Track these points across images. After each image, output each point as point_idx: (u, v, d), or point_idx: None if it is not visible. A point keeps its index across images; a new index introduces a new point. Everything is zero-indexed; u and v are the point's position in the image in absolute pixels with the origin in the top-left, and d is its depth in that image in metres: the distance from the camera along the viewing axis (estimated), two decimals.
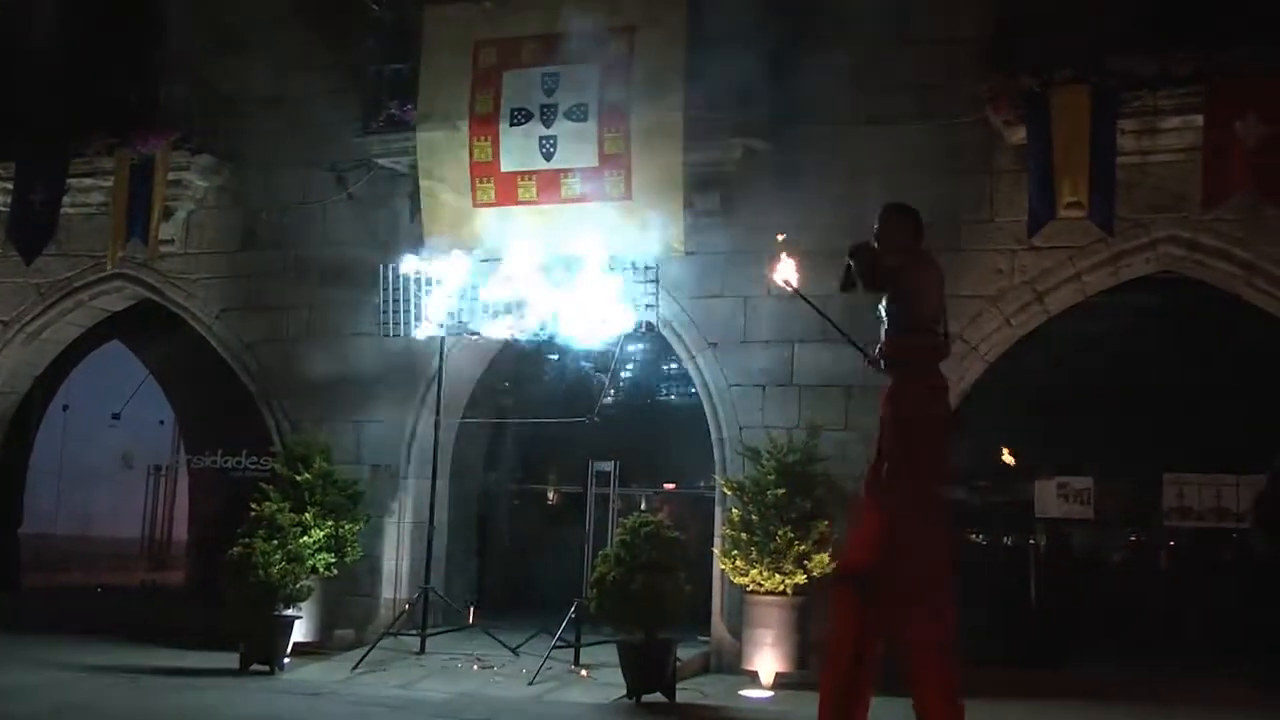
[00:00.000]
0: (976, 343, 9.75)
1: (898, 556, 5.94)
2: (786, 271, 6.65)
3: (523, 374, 12.95)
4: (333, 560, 10.23)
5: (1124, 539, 11.69)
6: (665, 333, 10.61)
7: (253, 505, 10.02)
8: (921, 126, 9.92)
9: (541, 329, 9.99)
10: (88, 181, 12.05)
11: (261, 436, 11.81)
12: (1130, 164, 9.24)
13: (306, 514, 10.08)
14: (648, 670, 8.53)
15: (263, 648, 9.43)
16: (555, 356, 12.35)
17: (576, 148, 10.08)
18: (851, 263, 6.37)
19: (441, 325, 10.28)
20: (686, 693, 8.78)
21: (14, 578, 13.91)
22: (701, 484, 11.68)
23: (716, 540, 10.01)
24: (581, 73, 10.08)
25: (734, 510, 9.65)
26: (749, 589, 9.42)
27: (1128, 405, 10.67)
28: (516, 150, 10.26)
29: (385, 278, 10.39)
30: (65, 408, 16.03)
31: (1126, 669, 9.69)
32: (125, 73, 12.32)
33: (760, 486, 9.50)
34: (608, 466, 10.62)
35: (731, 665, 9.71)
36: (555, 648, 9.37)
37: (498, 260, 10.23)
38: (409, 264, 10.33)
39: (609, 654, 9.02)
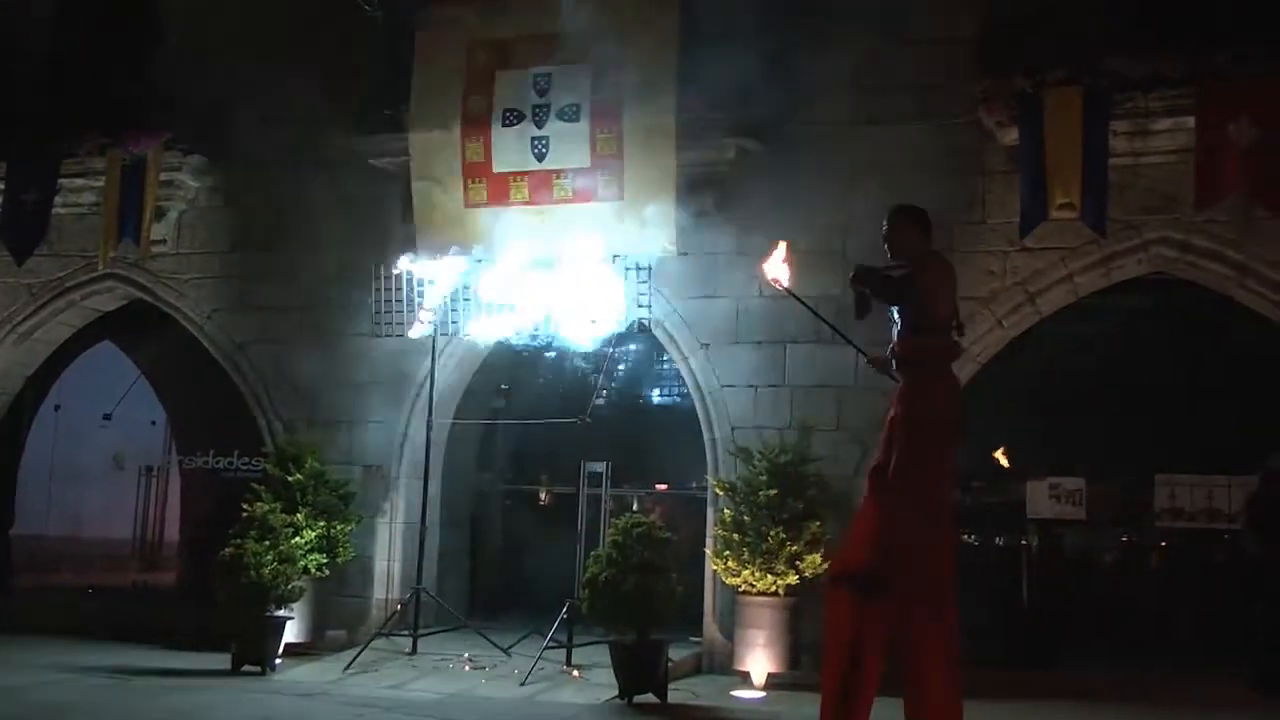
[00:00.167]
0: (968, 344, 9.74)
1: (900, 557, 5.93)
2: (778, 270, 6.63)
3: (515, 374, 12.94)
4: (324, 561, 10.23)
5: (1116, 540, 11.68)
6: (657, 333, 10.62)
7: (244, 506, 9.99)
8: (914, 128, 9.94)
9: (534, 330, 9.99)
10: (79, 181, 12.04)
11: (253, 437, 11.80)
12: (1122, 165, 9.25)
13: (298, 515, 10.08)
14: (640, 671, 8.52)
15: (254, 648, 9.42)
16: (548, 357, 12.35)
17: (569, 148, 10.09)
18: (861, 289, 6.33)
19: (434, 326, 10.28)
20: (678, 693, 8.77)
21: (5, 578, 13.89)
22: (693, 484, 11.68)
23: (708, 541, 10.01)
24: (574, 73, 10.08)
25: (726, 511, 9.66)
26: (741, 589, 9.42)
27: (1120, 406, 10.67)
28: (509, 151, 10.26)
29: (378, 278, 10.39)
30: (57, 408, 15.95)
31: (1118, 669, 9.69)
32: (117, 72, 12.32)
33: (752, 487, 9.50)
34: (600, 467, 10.63)
35: (723, 666, 9.72)
36: (547, 648, 9.37)
37: (490, 261, 10.22)
38: (401, 264, 10.33)
39: (601, 654, 9.01)
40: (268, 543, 9.58)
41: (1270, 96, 8.71)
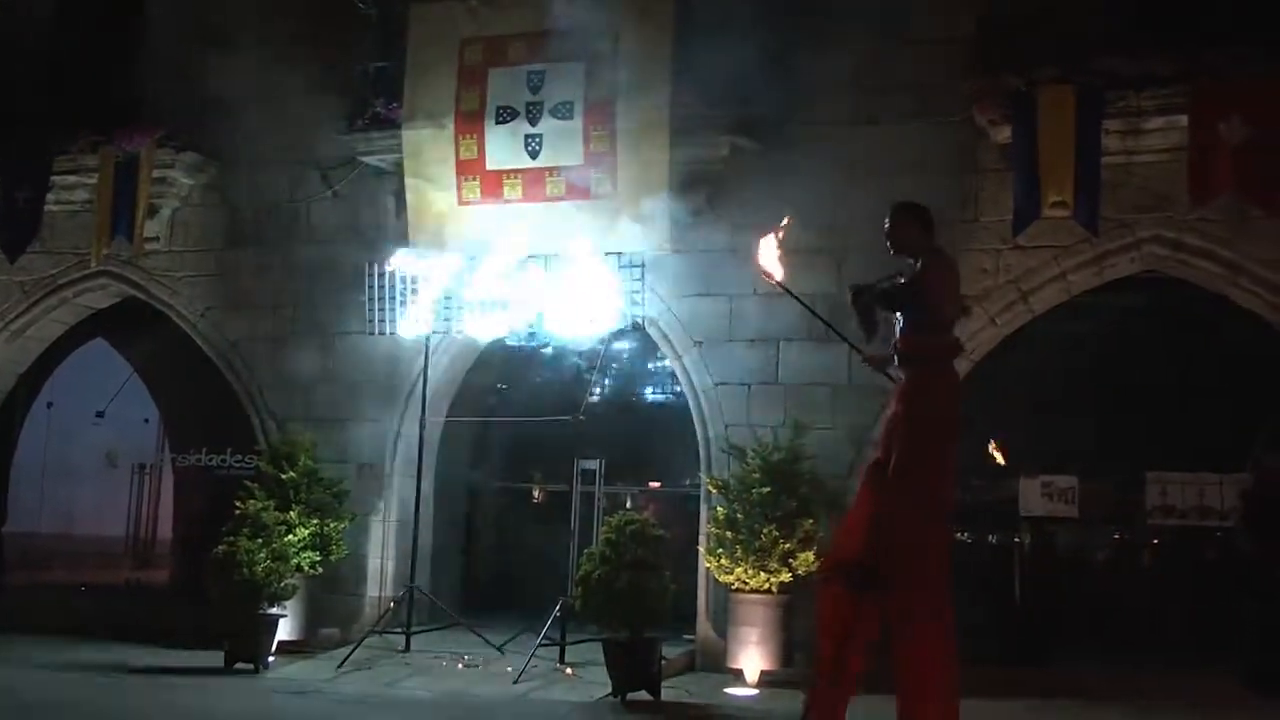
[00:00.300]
0: (961, 342, 9.74)
1: (900, 555, 5.93)
2: (770, 262, 6.61)
3: (508, 372, 12.93)
4: (318, 559, 10.20)
5: (1108, 537, 11.71)
6: (651, 331, 10.62)
7: (237, 503, 9.99)
8: (906, 126, 9.93)
9: (527, 327, 9.99)
10: (72, 179, 12.02)
11: (246, 435, 11.78)
12: (1115, 164, 9.26)
13: (291, 512, 10.05)
14: (633, 668, 8.52)
15: (247, 646, 9.41)
16: (541, 355, 12.33)
17: (562, 145, 10.08)
18: (861, 306, 6.32)
19: (427, 323, 10.27)
20: (672, 691, 8.77)
21: None
22: (687, 482, 11.68)
23: (702, 539, 10.01)
24: (567, 70, 10.07)
25: (719, 508, 9.66)
26: (734, 587, 9.43)
27: (1112, 404, 10.70)
28: (502, 148, 10.26)
29: (371, 276, 10.39)
30: (49, 405, 15.96)
31: (1110, 667, 9.71)
32: (110, 70, 12.29)
33: (745, 485, 9.51)
34: (593, 465, 10.64)
35: (716, 663, 9.71)
36: (540, 646, 9.37)
37: (484, 258, 10.22)
38: (395, 262, 10.32)
39: (594, 652, 9.01)
40: (261, 540, 9.57)
41: (1262, 95, 8.72)
